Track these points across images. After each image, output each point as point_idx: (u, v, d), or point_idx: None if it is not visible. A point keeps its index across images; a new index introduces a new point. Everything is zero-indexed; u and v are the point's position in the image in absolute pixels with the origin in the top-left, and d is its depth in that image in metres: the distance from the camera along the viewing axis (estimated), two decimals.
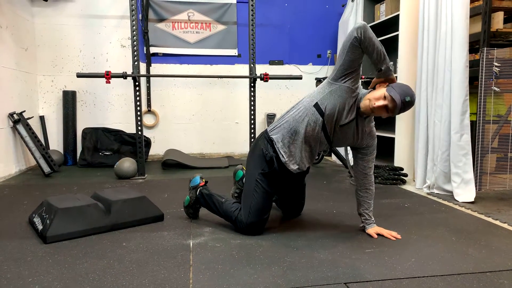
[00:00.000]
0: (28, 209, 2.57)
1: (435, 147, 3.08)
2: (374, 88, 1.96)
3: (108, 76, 3.45)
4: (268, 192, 2.10)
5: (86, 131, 4.50)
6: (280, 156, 2.06)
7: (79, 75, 3.47)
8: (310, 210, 2.52)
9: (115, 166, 3.67)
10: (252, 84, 3.84)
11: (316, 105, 1.95)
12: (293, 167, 2.09)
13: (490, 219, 2.42)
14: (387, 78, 1.91)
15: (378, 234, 2.09)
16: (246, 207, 2.08)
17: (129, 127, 4.60)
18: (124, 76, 3.51)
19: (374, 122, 2.10)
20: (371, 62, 1.89)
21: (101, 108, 4.63)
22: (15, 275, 1.61)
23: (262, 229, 2.11)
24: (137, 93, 3.57)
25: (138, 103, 3.59)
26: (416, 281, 1.56)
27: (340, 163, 4.31)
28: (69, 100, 4.43)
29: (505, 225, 2.30)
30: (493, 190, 3.10)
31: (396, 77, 3.65)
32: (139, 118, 3.61)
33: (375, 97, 1.86)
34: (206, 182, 2.38)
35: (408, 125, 3.56)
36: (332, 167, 4.30)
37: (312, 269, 1.67)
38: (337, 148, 4.17)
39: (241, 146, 4.93)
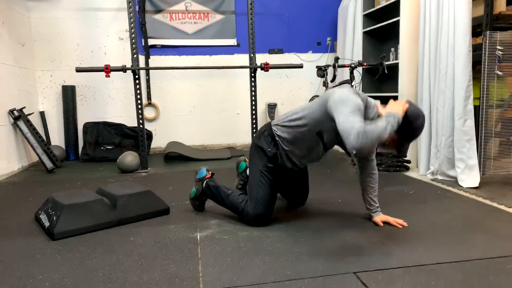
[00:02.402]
0: (33, 206, 2.57)
1: (438, 133, 3.07)
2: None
3: (107, 70, 3.42)
4: (273, 183, 2.10)
5: (87, 126, 4.48)
6: (281, 155, 2.08)
7: (78, 70, 3.44)
8: (314, 199, 2.52)
9: (117, 160, 3.66)
10: (252, 74, 3.81)
11: (319, 133, 1.97)
12: (295, 163, 2.12)
13: (495, 204, 2.42)
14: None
15: (385, 222, 2.09)
16: (252, 198, 2.08)
17: (130, 121, 4.58)
18: (123, 69, 3.48)
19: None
20: None
21: (101, 102, 4.60)
22: (24, 273, 1.61)
23: (269, 220, 2.12)
24: (137, 86, 3.55)
25: (138, 96, 3.57)
26: (425, 268, 1.57)
27: (343, 151, 4.30)
28: (68, 95, 4.41)
29: (510, 210, 2.31)
30: (497, 175, 3.10)
31: (398, 64, 3.64)
32: (140, 111, 3.60)
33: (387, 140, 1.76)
34: (212, 174, 2.37)
35: None
36: (335, 155, 4.30)
37: (321, 259, 1.67)
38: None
39: (242, 137, 4.92)
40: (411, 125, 1.76)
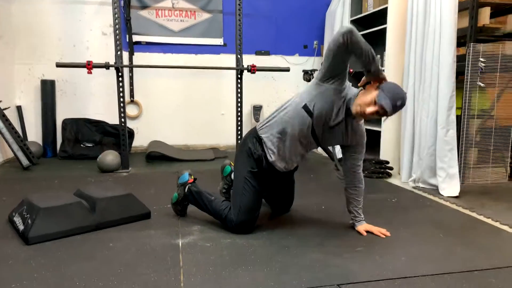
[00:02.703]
0: (7, 206, 2.46)
1: (421, 142, 3.10)
2: (364, 87, 1.93)
3: (89, 66, 3.32)
4: (257, 190, 2.07)
5: (66, 122, 4.35)
6: (268, 155, 2.05)
7: (59, 65, 3.33)
8: (298, 205, 2.51)
9: (98, 159, 3.57)
10: (239, 76, 3.77)
11: (305, 107, 1.92)
12: (281, 165, 2.08)
13: (474, 214, 2.46)
14: (377, 78, 1.87)
15: (368, 232, 2.10)
16: (235, 206, 2.05)
17: (112, 118, 4.47)
18: (106, 66, 3.39)
19: (363, 120, 2.08)
20: (359, 63, 1.84)
21: (81, 98, 4.48)
22: None
23: (253, 227, 2.09)
24: (120, 84, 3.46)
25: (121, 94, 3.48)
26: (407, 281, 1.58)
27: (326, 155, 4.32)
28: (47, 89, 4.26)
29: (489, 220, 2.35)
30: (476, 184, 3.16)
31: (383, 70, 3.67)
32: (122, 109, 3.51)
33: (366, 103, 1.81)
34: (195, 179, 2.33)
35: (395, 119, 3.57)
36: (318, 160, 4.31)
37: (305, 269, 1.66)
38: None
39: (226, 138, 4.87)
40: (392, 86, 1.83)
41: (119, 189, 2.37)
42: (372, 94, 1.81)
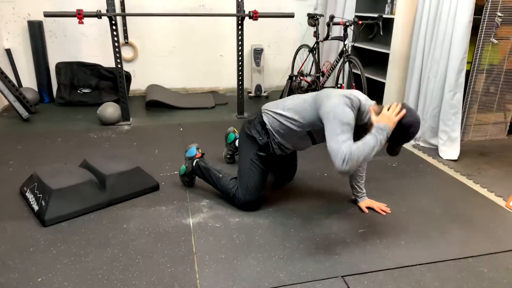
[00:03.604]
0: (15, 173, 2.51)
1: (426, 102, 3.07)
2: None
3: (80, 16, 3.09)
4: (263, 171, 2.12)
5: (59, 66, 4.18)
6: (272, 144, 2.08)
7: (47, 15, 3.08)
8: (301, 172, 2.57)
9: (98, 112, 3.51)
10: (240, 22, 3.55)
11: (310, 133, 1.96)
12: (287, 151, 2.14)
13: (471, 183, 2.56)
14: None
15: (369, 208, 2.20)
16: (243, 186, 2.10)
17: (106, 61, 4.30)
18: (98, 15, 3.14)
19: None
20: None
21: (73, 40, 4.24)
22: (23, 273, 1.64)
23: (260, 205, 2.17)
24: (115, 33, 3.26)
25: (115, 38, 3.27)
26: (406, 271, 1.71)
27: None
28: (36, 31, 4.01)
29: (485, 191, 2.45)
30: (475, 143, 3.22)
31: (393, 19, 3.46)
32: (118, 53, 3.32)
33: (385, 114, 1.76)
34: (202, 154, 2.34)
35: (400, 72, 3.48)
36: None
37: (310, 258, 1.77)
38: None
39: (226, 80, 4.76)
40: (403, 132, 1.76)
41: (126, 161, 2.39)
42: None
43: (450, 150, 2.91)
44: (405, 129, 1.74)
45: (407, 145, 3.20)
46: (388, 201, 2.26)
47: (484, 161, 2.89)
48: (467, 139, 3.21)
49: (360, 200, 2.22)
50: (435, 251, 1.85)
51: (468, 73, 2.95)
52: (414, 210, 2.21)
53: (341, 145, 1.66)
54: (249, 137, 2.09)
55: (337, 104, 1.75)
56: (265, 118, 2.04)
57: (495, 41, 3.00)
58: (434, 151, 3.04)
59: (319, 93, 1.92)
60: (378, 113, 1.77)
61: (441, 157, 2.93)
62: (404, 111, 1.73)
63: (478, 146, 3.18)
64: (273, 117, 2.01)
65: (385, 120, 1.71)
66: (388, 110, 1.74)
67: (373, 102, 1.88)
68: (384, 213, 2.16)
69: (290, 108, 1.96)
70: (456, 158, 2.88)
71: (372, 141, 1.68)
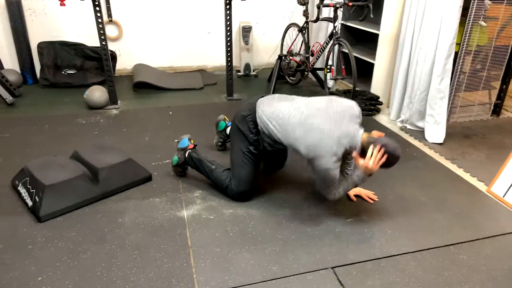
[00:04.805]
0: (5, 165, 2.50)
1: (414, 85, 3.11)
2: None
3: None
4: (255, 162, 2.15)
5: (41, 46, 4.05)
6: (262, 142, 2.10)
7: None
8: (292, 160, 2.60)
9: (85, 96, 3.46)
10: (227, 2, 3.46)
11: (299, 152, 1.97)
12: (278, 147, 2.14)
13: (455, 167, 2.65)
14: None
15: (357, 196, 2.27)
16: (236, 177, 2.14)
17: (90, 40, 4.18)
18: None
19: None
20: None
21: (54, 18, 4.09)
22: (22, 273, 1.67)
23: (252, 195, 2.23)
24: (97, 8, 3.13)
25: (98, 14, 3.16)
26: (392, 260, 1.80)
27: (317, 82, 4.27)
28: (14, 9, 3.85)
29: (468, 176, 2.55)
30: (460, 124, 3.30)
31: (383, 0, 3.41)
32: (102, 31, 3.22)
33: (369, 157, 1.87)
34: (195, 145, 2.36)
35: (390, 53, 3.49)
36: (309, 87, 4.28)
37: (302, 249, 1.85)
38: (316, 71, 4.09)
39: (214, 59, 4.69)
40: (383, 166, 1.89)
41: (118, 152, 2.39)
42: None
43: (436, 133, 2.98)
44: (385, 165, 1.88)
45: (395, 129, 3.26)
46: (375, 188, 2.34)
47: (468, 144, 2.98)
48: (453, 121, 3.29)
49: None
50: (420, 239, 1.94)
51: (456, 54, 2.98)
52: (400, 197, 2.29)
53: (330, 194, 1.99)
54: (240, 131, 2.10)
55: (328, 165, 1.87)
56: (258, 120, 2.04)
57: (484, 24, 3.01)
58: (420, 133, 3.11)
59: (311, 132, 1.89)
60: (363, 153, 1.89)
61: (427, 140, 3.01)
62: (385, 157, 1.83)
63: (463, 128, 3.26)
64: (265, 124, 2.01)
65: (368, 169, 1.86)
66: (371, 155, 1.84)
67: (362, 130, 1.95)
68: (372, 201, 2.24)
69: (280, 124, 1.97)
70: (441, 141, 2.96)
71: (355, 180, 1.94)
